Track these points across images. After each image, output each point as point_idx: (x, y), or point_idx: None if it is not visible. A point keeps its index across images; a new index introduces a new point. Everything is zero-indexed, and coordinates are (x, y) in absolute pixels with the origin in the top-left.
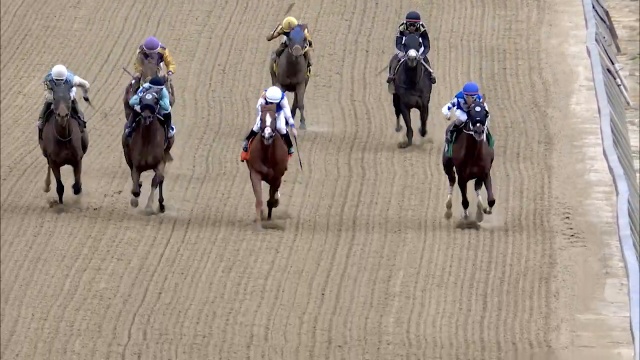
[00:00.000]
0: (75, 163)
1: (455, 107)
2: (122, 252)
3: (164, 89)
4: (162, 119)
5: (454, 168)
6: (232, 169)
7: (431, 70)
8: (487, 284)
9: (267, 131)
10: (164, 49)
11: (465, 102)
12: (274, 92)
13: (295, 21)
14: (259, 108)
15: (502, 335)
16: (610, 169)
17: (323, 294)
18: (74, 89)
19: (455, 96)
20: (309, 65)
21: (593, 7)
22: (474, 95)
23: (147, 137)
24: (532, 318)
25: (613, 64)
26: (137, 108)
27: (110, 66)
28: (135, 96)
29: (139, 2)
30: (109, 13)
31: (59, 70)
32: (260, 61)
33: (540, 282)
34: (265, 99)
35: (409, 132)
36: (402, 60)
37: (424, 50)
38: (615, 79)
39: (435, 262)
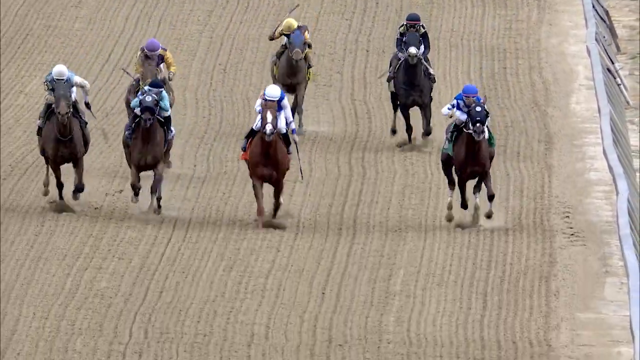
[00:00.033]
0: (76, 161)
1: (455, 108)
2: (123, 251)
3: (164, 91)
4: (162, 120)
5: (454, 168)
6: (233, 168)
7: (431, 70)
8: (488, 283)
9: (269, 127)
10: (165, 50)
11: (465, 104)
12: (273, 90)
13: (295, 23)
14: (258, 109)
15: (502, 334)
16: (610, 168)
17: (324, 293)
18: (75, 88)
19: (455, 98)
20: (309, 67)
21: (593, 6)
22: (474, 96)
23: (147, 137)
24: (532, 317)
25: (613, 63)
26: (137, 110)
27: (111, 66)
28: (136, 99)
29: (140, 1)
30: (110, 13)
31: (60, 69)
32: (261, 60)
33: (541, 281)
34: (264, 98)
35: (409, 129)
36: (403, 59)
37: (424, 51)
38: (615, 78)
39: (435, 261)
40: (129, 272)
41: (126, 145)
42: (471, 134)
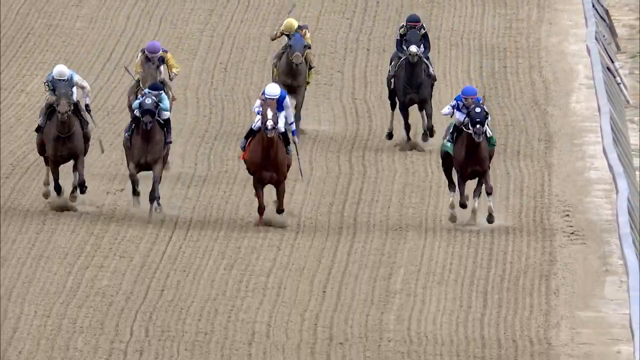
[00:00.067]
0: (76, 158)
1: (455, 109)
2: (124, 249)
3: (163, 93)
4: (162, 122)
5: (454, 168)
6: (234, 167)
7: (431, 70)
8: (488, 282)
9: (269, 123)
10: (166, 52)
11: (464, 105)
12: (273, 88)
13: (295, 23)
14: (256, 109)
15: (502, 333)
16: (610, 167)
17: (324, 292)
18: (75, 88)
19: (455, 99)
20: (310, 68)
21: (593, 5)
22: (473, 98)
23: (147, 136)
24: (532, 315)
25: (613, 62)
26: (137, 112)
27: (112, 65)
28: (136, 101)
29: (141, 0)
30: (111, 12)
31: (61, 70)
32: (262, 59)
33: (541, 280)
34: (264, 96)
35: (407, 128)
36: (403, 58)
37: (424, 51)
38: (615, 77)
39: (435, 259)
40: (130, 270)
41: (126, 147)
42: (471, 134)
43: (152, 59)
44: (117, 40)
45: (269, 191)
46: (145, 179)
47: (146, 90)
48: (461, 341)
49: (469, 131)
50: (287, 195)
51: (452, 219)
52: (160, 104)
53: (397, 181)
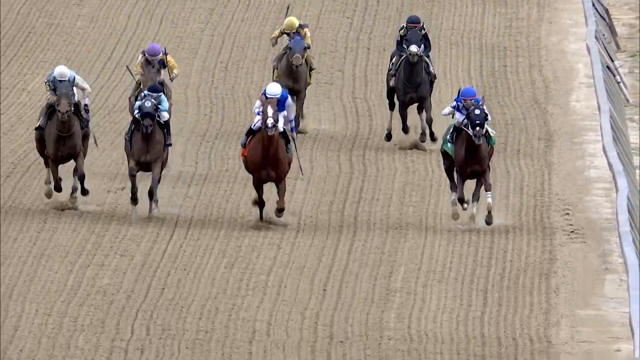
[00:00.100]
0: (76, 157)
1: (455, 110)
2: (125, 248)
3: (162, 95)
4: (162, 123)
5: (455, 168)
6: (235, 166)
7: (432, 68)
8: (488, 280)
9: (270, 122)
10: (166, 54)
11: (464, 106)
12: (274, 88)
13: (296, 22)
14: (256, 110)
15: (502, 331)
16: (610, 166)
17: (325, 290)
18: (76, 89)
19: (455, 99)
20: (311, 69)
21: (593, 4)
22: (472, 99)
23: (147, 136)
24: (532, 314)
25: (613, 61)
26: (137, 115)
27: (113, 63)
28: (136, 104)
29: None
30: (112, 11)
31: (62, 70)
32: (263, 58)
33: (541, 278)
34: (265, 96)
35: (405, 130)
36: (404, 57)
37: (425, 50)
38: (615, 76)
39: (436, 258)
40: (131, 269)
41: (127, 150)
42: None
43: (153, 62)
44: (117, 40)
45: (269, 189)
46: (144, 185)
47: (145, 92)
48: (461, 339)
49: (469, 131)
50: (288, 194)
51: (455, 216)
52: (160, 106)
53: (397, 180)
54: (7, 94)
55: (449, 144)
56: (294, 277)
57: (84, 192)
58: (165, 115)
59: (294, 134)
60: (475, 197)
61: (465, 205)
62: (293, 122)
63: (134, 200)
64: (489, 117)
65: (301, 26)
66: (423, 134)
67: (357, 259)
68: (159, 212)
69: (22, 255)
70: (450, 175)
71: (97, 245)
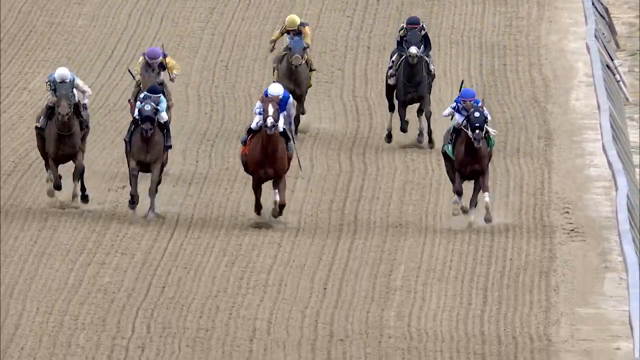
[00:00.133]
0: (76, 156)
1: (455, 110)
2: (126, 246)
3: (162, 96)
4: (162, 124)
5: (454, 167)
6: (235, 164)
7: (432, 67)
8: (488, 278)
9: (270, 120)
10: (166, 57)
11: (464, 107)
12: (275, 88)
13: (297, 19)
14: (257, 110)
15: (502, 329)
16: (610, 164)
17: (325, 288)
18: (76, 90)
19: (455, 100)
20: (311, 70)
21: (593, 3)
22: (471, 100)
23: (146, 136)
24: (532, 312)
25: (612, 60)
26: (137, 118)
27: (114, 62)
28: (137, 105)
29: None
30: (113, 10)
31: (62, 73)
32: (263, 57)
33: (540, 277)
34: (266, 96)
35: (403, 130)
36: (404, 57)
37: (425, 50)
38: (614, 75)
39: (436, 256)
40: (132, 267)
41: (127, 151)
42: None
43: (152, 65)
44: (118, 39)
45: (269, 189)
46: (144, 187)
47: (145, 94)
48: (461, 338)
49: (469, 132)
50: (288, 193)
51: (456, 211)
52: (159, 107)
53: (397, 178)
54: (8, 92)
55: (449, 146)
56: (295, 275)
57: (85, 198)
58: (164, 116)
59: (292, 127)
60: (473, 203)
61: (464, 205)
62: (292, 124)
63: (133, 203)
64: (489, 119)
65: (302, 24)
66: (421, 134)
67: (357, 258)
68: (154, 217)
69: (23, 254)
70: (451, 177)
71: (98, 244)
